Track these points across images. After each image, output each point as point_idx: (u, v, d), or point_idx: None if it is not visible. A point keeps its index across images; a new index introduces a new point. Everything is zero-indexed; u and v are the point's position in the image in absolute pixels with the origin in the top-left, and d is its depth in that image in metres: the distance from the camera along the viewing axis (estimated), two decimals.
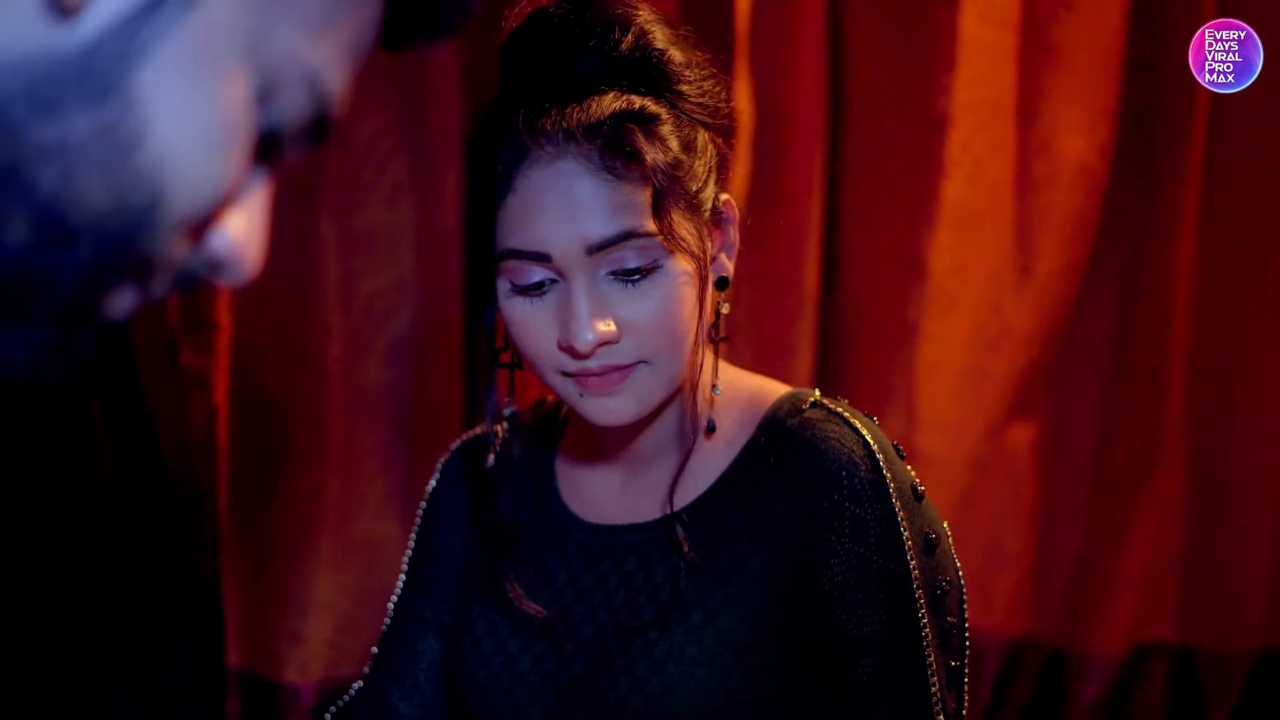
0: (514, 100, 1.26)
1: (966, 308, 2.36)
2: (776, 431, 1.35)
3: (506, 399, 1.45)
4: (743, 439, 1.37)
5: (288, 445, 2.31)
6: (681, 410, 1.38)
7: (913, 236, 2.32)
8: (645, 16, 1.28)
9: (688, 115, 1.27)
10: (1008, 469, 2.42)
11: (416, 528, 1.57)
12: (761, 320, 2.34)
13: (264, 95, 0.61)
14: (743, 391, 1.40)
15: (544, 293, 1.26)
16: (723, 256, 1.35)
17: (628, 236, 1.21)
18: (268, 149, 0.63)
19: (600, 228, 1.21)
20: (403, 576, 1.56)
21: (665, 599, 1.32)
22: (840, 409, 1.35)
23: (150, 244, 0.59)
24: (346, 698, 1.55)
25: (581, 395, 1.28)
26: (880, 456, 1.30)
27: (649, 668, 1.30)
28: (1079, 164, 2.34)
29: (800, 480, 1.31)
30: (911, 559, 1.28)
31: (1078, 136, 2.34)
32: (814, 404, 1.36)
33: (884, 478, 1.29)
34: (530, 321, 1.27)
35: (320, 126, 0.65)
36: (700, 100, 1.29)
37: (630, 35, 1.25)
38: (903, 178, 2.32)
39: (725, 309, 1.35)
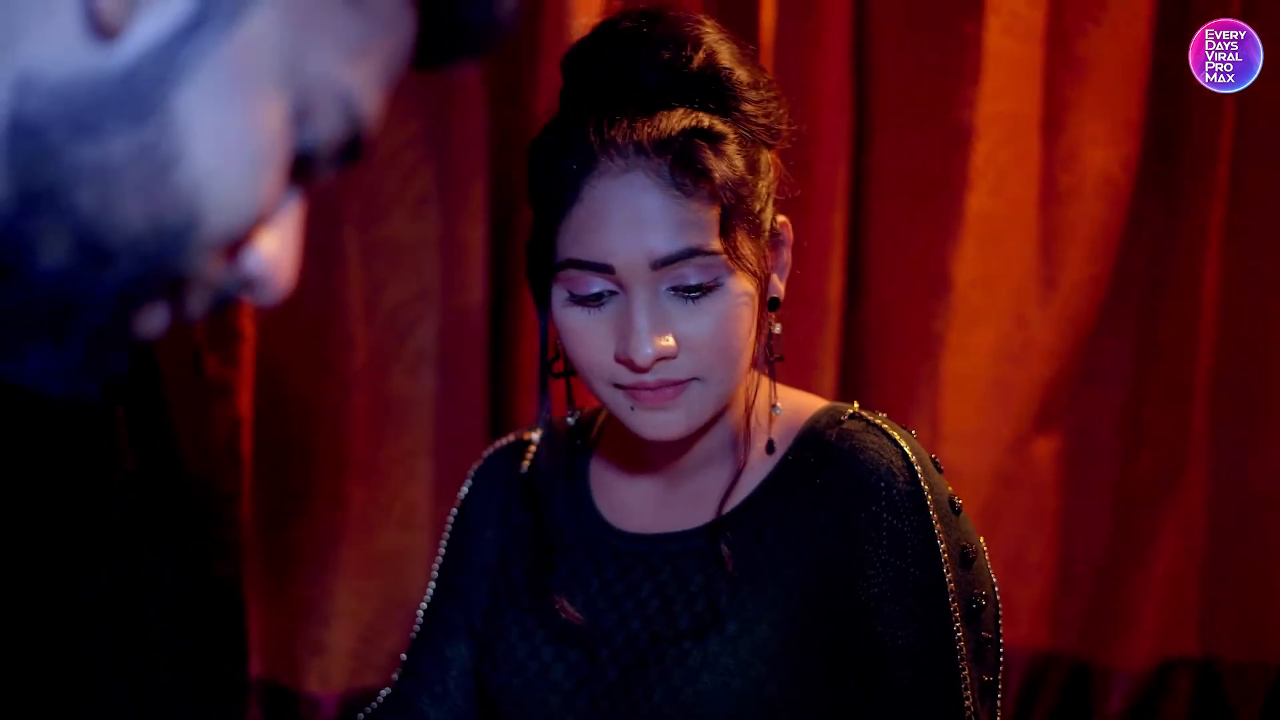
0: (581, 111, 1.27)
1: (990, 320, 2.35)
2: (815, 443, 1.35)
3: (568, 408, 1.46)
4: (783, 448, 1.37)
5: (311, 455, 2.31)
6: (733, 428, 1.38)
7: (937, 249, 2.32)
8: (713, 34, 1.29)
9: (751, 135, 1.28)
10: (1031, 481, 2.41)
11: (448, 533, 1.57)
12: (785, 332, 2.28)
13: (300, 116, 0.61)
14: (781, 400, 1.40)
15: (602, 304, 1.26)
16: (775, 277, 1.35)
17: (693, 254, 1.22)
18: (302, 168, 0.64)
19: (666, 243, 1.22)
20: (433, 583, 1.55)
21: (701, 609, 1.33)
22: (879, 421, 1.36)
23: (186, 264, 0.59)
24: (375, 704, 1.54)
25: (633, 409, 1.29)
26: (919, 469, 1.30)
27: (683, 677, 1.30)
28: (1104, 176, 2.34)
29: (838, 491, 1.31)
30: (948, 572, 1.28)
31: (1102, 149, 2.34)
32: (852, 415, 1.37)
33: (922, 490, 1.29)
34: (586, 332, 1.27)
35: (354, 146, 0.65)
36: (764, 121, 1.30)
37: (700, 52, 1.25)
38: (927, 190, 2.32)
39: (777, 329, 1.36)
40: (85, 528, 1.96)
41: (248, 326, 2.22)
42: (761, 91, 1.30)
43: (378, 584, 2.35)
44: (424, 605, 1.56)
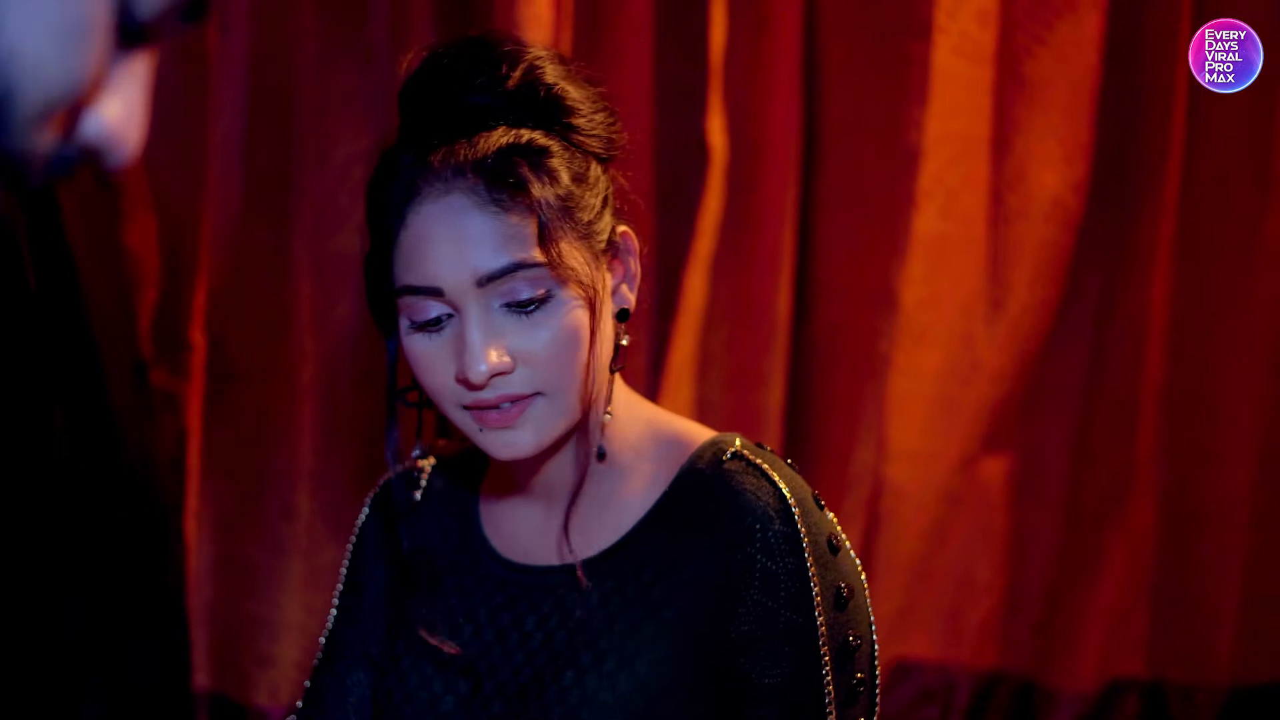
0: (408, 140, 1.29)
1: (938, 340, 2.36)
2: (696, 480, 1.35)
3: (416, 440, 1.45)
4: (663, 484, 1.36)
5: (260, 468, 2.31)
6: (578, 440, 1.38)
7: (884, 268, 2.33)
8: (535, 53, 1.30)
9: (580, 147, 1.29)
10: (979, 501, 2.42)
11: (346, 560, 1.57)
12: (733, 350, 2.35)
13: None
14: (665, 432, 1.40)
15: (441, 328, 1.27)
16: (624, 288, 1.36)
17: (517, 268, 1.23)
18: (137, 34, 0.63)
19: (489, 260, 1.23)
20: (333, 609, 1.55)
21: (580, 643, 1.32)
22: (760, 460, 1.34)
23: (7, 137, 0.59)
24: None
25: (481, 430, 1.29)
26: (796, 510, 1.30)
27: (563, 713, 1.30)
28: (1053, 198, 2.36)
29: (716, 531, 1.31)
30: (819, 614, 1.28)
31: (1052, 170, 2.35)
32: (734, 455, 1.35)
33: (798, 532, 1.29)
34: (429, 357, 1.28)
35: (195, 6, 0.65)
36: (593, 133, 1.31)
37: (519, 70, 1.27)
38: (875, 209, 2.33)
39: (625, 340, 1.36)
40: (24, 541, 1.96)
41: (198, 338, 2.23)
42: (589, 104, 1.31)
43: (326, 597, 2.32)
44: (325, 631, 1.55)
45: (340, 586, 1.56)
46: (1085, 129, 2.36)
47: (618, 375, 1.37)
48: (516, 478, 1.44)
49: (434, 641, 1.39)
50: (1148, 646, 2.49)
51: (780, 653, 1.28)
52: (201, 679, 2.32)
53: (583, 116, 1.30)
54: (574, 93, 1.30)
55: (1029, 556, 2.47)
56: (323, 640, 1.55)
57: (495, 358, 1.24)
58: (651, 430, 1.40)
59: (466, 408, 1.28)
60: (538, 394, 1.27)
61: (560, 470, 1.39)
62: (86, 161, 0.65)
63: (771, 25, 2.29)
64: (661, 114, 2.30)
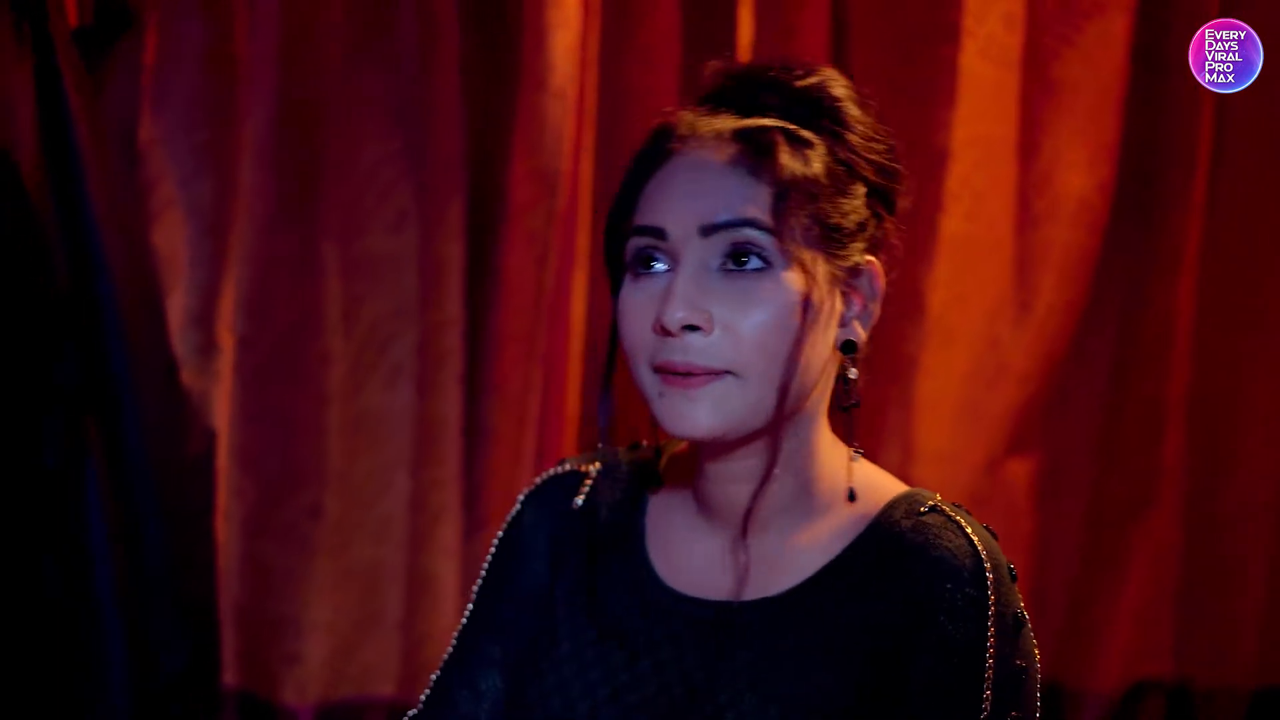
0: (687, 109, 1.30)
1: (964, 342, 2.36)
2: (889, 532, 1.28)
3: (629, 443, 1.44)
4: (853, 533, 1.30)
5: (288, 468, 2.33)
6: (800, 488, 1.32)
7: (911, 271, 2.31)
8: (834, 74, 1.29)
9: (847, 164, 1.26)
10: (1004, 503, 2.42)
11: (491, 558, 1.49)
12: None
13: None
14: (860, 478, 1.33)
15: (655, 276, 1.25)
16: (856, 323, 1.29)
17: (743, 224, 1.21)
18: None
19: (718, 210, 1.21)
20: (470, 607, 1.48)
21: (743, 685, 1.27)
22: (959, 517, 1.27)
23: None
24: None
25: (661, 395, 1.24)
26: (990, 576, 1.23)
27: None
28: (1079, 200, 2.35)
29: (903, 586, 1.25)
30: (986, 690, 1.22)
31: (1078, 173, 2.35)
32: (933, 508, 1.28)
33: (987, 598, 1.22)
34: (635, 307, 1.26)
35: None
36: (865, 155, 1.27)
37: (811, 78, 1.27)
38: (902, 212, 2.32)
39: (853, 374, 1.29)
40: (53, 541, 1.98)
41: (226, 339, 2.25)
42: (867, 128, 1.28)
43: (353, 596, 2.37)
44: (460, 630, 1.47)
45: (480, 585, 1.48)
46: (1112, 132, 2.35)
47: (850, 415, 1.31)
48: (700, 498, 1.37)
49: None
50: (1173, 648, 2.49)
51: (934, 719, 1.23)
52: (230, 677, 2.33)
53: (856, 135, 1.26)
54: (854, 111, 1.27)
55: (1054, 558, 2.48)
56: (454, 639, 1.47)
57: (696, 311, 1.20)
58: (848, 474, 1.33)
59: (656, 369, 1.24)
60: (728, 373, 1.22)
61: (763, 503, 1.32)
62: None
63: (799, 27, 2.29)
64: None
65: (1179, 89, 2.33)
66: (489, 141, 2.29)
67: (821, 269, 1.23)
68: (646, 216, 1.24)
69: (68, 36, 2.01)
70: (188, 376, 2.22)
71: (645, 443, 1.48)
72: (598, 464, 1.47)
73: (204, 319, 2.25)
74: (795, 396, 1.25)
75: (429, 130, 2.26)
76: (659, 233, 1.23)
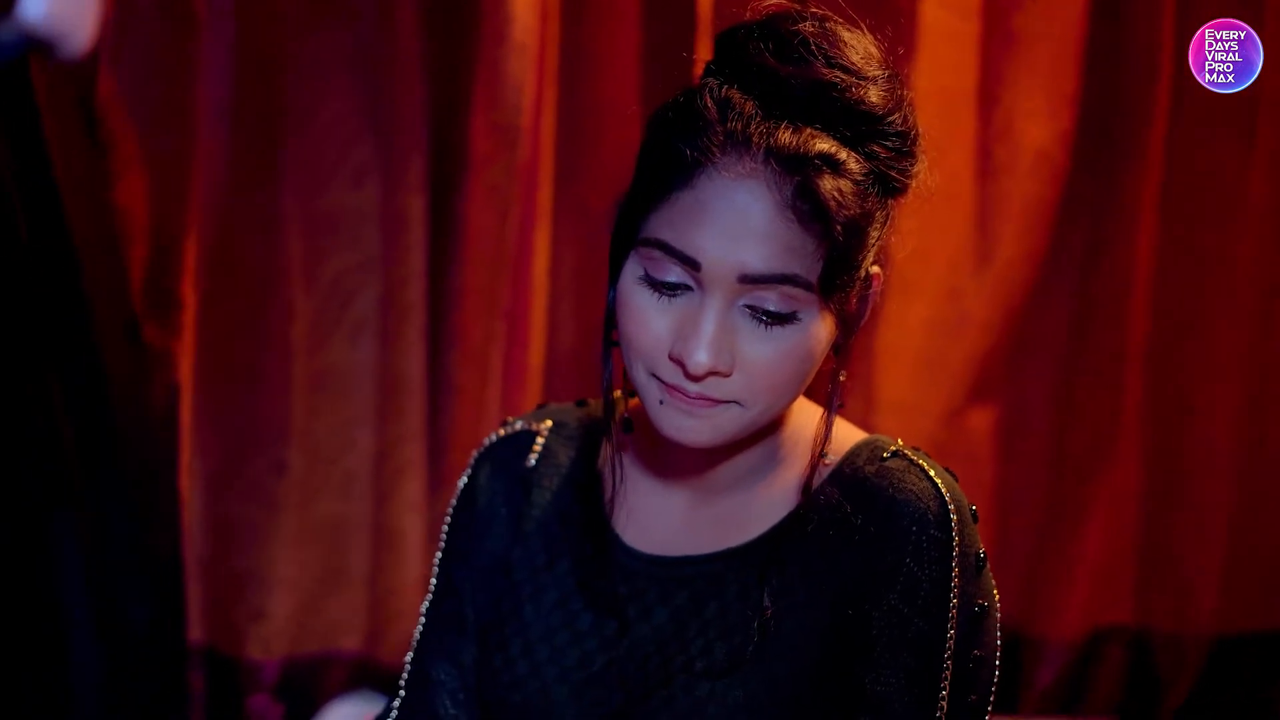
0: (722, 89, 1.19)
1: (925, 293, 2.38)
2: (853, 478, 1.29)
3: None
4: (816, 481, 1.31)
5: (251, 423, 2.33)
6: (771, 451, 1.33)
7: None
8: (894, 76, 1.24)
9: (881, 180, 1.20)
10: (966, 453, 2.44)
11: (448, 525, 1.48)
12: None
13: None
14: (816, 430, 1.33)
15: (675, 295, 1.20)
16: (848, 325, 1.28)
17: (785, 280, 1.16)
18: None
19: (763, 262, 1.15)
20: (433, 582, 1.47)
21: (714, 636, 1.28)
22: (921, 461, 1.28)
23: None
24: (394, 715, 1.44)
25: (662, 403, 1.23)
26: (954, 518, 1.23)
27: (689, 705, 1.26)
28: (1039, 151, 2.36)
29: (868, 530, 1.26)
30: (951, 629, 1.23)
31: (1038, 124, 2.36)
32: (895, 453, 1.29)
33: (951, 541, 1.23)
34: (651, 317, 1.21)
35: None
36: (905, 173, 1.23)
37: (864, 86, 1.19)
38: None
39: (842, 377, 1.29)
40: (18, 498, 1.97)
41: (189, 294, 2.24)
42: (900, 141, 1.22)
43: (318, 552, 2.37)
44: (427, 605, 1.47)
45: (440, 554, 1.47)
46: (1072, 83, 2.36)
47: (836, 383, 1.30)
48: (676, 462, 1.36)
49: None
50: (1133, 596, 2.52)
51: (900, 660, 1.23)
52: (196, 632, 2.34)
53: (892, 146, 1.21)
54: (901, 128, 1.22)
55: (1015, 507, 2.50)
56: (424, 613, 1.47)
57: (720, 357, 1.18)
58: (805, 428, 1.34)
59: (659, 379, 1.22)
60: (735, 403, 1.21)
61: (731, 467, 1.33)
62: (35, 50, 0.65)
63: None
64: (649, 73, 2.31)
65: (1138, 40, 2.34)
66: (450, 95, 2.28)
67: (849, 299, 1.22)
68: (680, 240, 1.17)
69: None
70: (150, 333, 2.22)
71: (590, 400, 1.49)
72: (549, 422, 1.46)
73: (166, 275, 2.24)
74: (810, 420, 1.29)
75: (389, 85, 2.25)
76: (693, 264, 1.17)
